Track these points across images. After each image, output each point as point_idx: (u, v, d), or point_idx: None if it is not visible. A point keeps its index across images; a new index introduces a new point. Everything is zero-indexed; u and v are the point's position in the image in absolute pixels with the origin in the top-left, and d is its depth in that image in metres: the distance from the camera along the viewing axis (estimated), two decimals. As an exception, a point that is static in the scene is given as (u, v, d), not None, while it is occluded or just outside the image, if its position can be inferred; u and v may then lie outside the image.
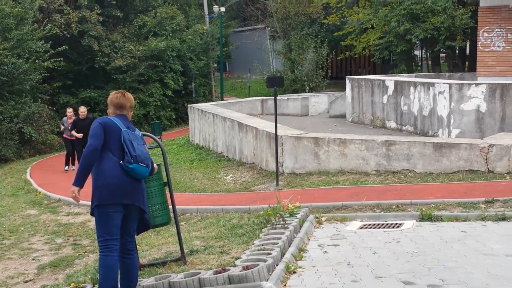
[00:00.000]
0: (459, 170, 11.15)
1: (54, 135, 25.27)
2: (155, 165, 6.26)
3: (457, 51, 29.04)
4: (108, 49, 27.79)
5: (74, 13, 27.03)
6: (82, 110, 17.25)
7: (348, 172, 12.01)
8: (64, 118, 18.40)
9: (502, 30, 20.08)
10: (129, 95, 6.08)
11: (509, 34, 19.97)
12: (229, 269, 6.44)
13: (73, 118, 17.64)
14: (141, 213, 5.99)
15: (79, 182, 5.70)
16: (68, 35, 26.79)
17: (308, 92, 28.10)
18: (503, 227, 7.86)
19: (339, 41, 32.20)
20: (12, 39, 23.69)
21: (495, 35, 20.29)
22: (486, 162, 10.99)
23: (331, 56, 32.33)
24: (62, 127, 18.35)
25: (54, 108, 26.99)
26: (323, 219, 8.82)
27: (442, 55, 31.23)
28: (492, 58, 20.16)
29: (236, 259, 6.88)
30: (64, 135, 18.32)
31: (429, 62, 30.36)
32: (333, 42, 33.22)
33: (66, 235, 10.94)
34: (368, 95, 18.73)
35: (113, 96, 6.02)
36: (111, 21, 29.41)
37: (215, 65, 35.09)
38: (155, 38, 28.55)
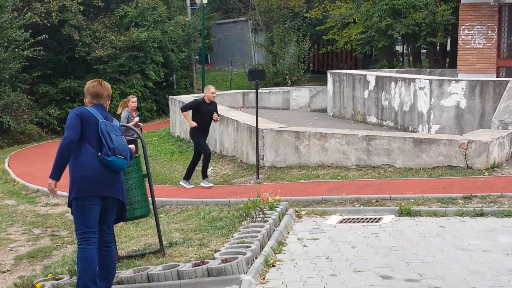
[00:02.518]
0: (439, 166, 11.22)
1: (33, 125, 25.02)
2: (132, 146, 6.19)
3: (438, 47, 29.20)
4: (88, 39, 27.54)
5: (55, 1, 26.72)
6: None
7: (328, 166, 12.04)
8: (126, 111, 13.10)
9: (483, 27, 20.21)
10: (106, 84, 5.98)
11: (489, 31, 20.11)
12: (208, 262, 6.43)
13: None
14: (120, 205, 5.94)
15: (55, 175, 5.62)
16: (48, 24, 26.49)
17: (290, 86, 28.12)
18: (481, 222, 7.94)
19: (321, 35, 32.20)
20: (-9, 27, 23.40)
21: (475, 32, 20.42)
22: (465, 158, 11.07)
23: (313, 50, 32.34)
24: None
25: (33, 98, 26.72)
26: (302, 213, 8.83)
27: (423, 51, 31.39)
28: (473, 55, 20.31)
29: (215, 251, 6.87)
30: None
31: (410, 58, 30.49)
32: (315, 36, 33.22)
33: (44, 226, 10.84)
34: (350, 89, 18.78)
35: (90, 85, 5.92)
36: (92, 11, 29.14)
37: (197, 57, 34.96)
38: (136, 29, 28.34)
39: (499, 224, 7.83)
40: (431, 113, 14.96)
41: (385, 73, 19.45)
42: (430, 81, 15.33)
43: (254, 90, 12.20)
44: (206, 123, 11.81)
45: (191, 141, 12.64)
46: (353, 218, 8.48)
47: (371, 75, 18.01)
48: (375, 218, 8.38)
